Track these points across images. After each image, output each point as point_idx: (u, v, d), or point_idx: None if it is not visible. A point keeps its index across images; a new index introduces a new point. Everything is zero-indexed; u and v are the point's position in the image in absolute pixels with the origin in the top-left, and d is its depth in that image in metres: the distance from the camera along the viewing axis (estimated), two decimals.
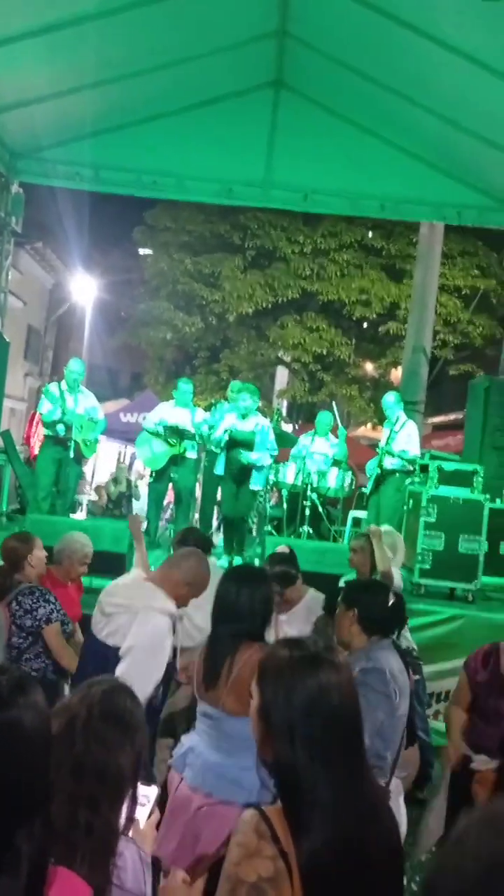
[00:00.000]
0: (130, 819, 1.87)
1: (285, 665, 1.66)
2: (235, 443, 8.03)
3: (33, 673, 4.30)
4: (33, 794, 1.41)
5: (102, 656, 3.32)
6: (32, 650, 4.41)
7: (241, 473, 8.08)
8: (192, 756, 2.97)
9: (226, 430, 8.04)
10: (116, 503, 12.45)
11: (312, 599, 4.92)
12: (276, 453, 8.38)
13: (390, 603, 3.27)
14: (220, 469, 8.15)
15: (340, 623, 3.25)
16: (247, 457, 7.97)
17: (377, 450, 8.75)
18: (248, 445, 8.02)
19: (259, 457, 8.04)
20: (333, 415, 9.42)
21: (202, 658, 3.08)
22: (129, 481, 12.92)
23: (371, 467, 8.65)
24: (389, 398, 8.77)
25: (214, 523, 9.24)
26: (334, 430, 9.36)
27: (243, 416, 8.16)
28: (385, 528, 5.94)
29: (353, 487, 9.09)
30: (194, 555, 3.68)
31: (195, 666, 3.13)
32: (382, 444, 8.57)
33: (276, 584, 4.61)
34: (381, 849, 1.57)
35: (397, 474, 8.31)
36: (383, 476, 8.39)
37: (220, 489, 8.65)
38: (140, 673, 3.09)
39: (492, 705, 3.58)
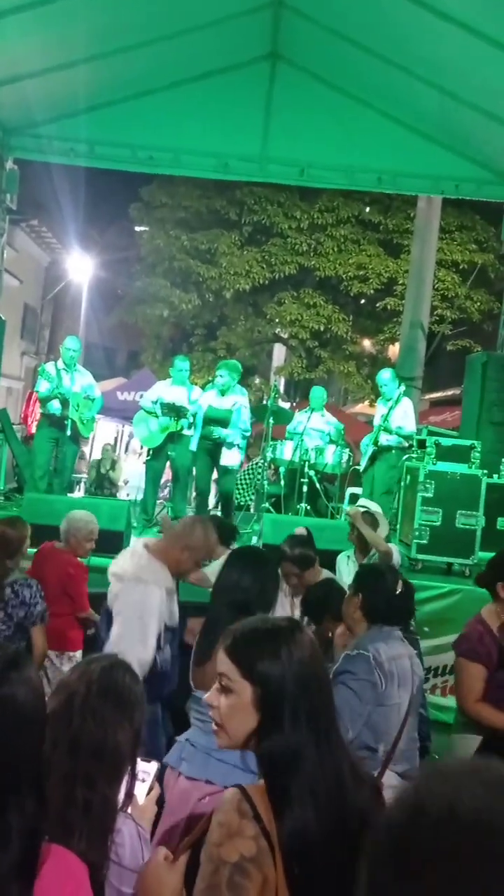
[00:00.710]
0: (129, 796, 1.88)
1: (272, 641, 1.63)
2: (209, 420, 8.08)
3: None
4: (26, 770, 1.41)
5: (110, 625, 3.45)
6: (12, 640, 4.36)
7: (214, 449, 8.13)
8: (187, 749, 2.89)
9: (207, 407, 8.11)
10: (100, 485, 12.47)
11: None
12: (248, 433, 8.43)
13: (398, 591, 3.19)
14: (193, 445, 8.18)
15: (347, 607, 3.20)
16: (218, 432, 8.02)
17: (373, 426, 8.72)
18: (223, 423, 8.06)
19: (229, 433, 8.08)
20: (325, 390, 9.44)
21: (197, 642, 3.02)
22: (113, 462, 12.92)
23: (365, 443, 8.63)
24: (385, 375, 8.73)
25: (212, 501, 9.24)
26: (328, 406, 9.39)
27: (222, 393, 8.19)
28: (362, 502, 5.97)
29: (351, 464, 9.09)
30: (192, 521, 3.73)
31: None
32: (377, 420, 8.53)
33: (294, 567, 4.64)
34: (363, 824, 1.55)
35: (393, 451, 8.29)
36: (379, 452, 8.37)
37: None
38: (129, 639, 3.18)
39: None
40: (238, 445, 8.25)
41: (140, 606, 3.34)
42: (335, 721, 1.65)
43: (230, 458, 8.21)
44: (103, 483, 12.50)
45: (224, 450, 8.13)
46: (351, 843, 1.50)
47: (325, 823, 1.50)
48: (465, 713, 3.61)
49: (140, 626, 3.30)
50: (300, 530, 5.06)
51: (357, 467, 9.28)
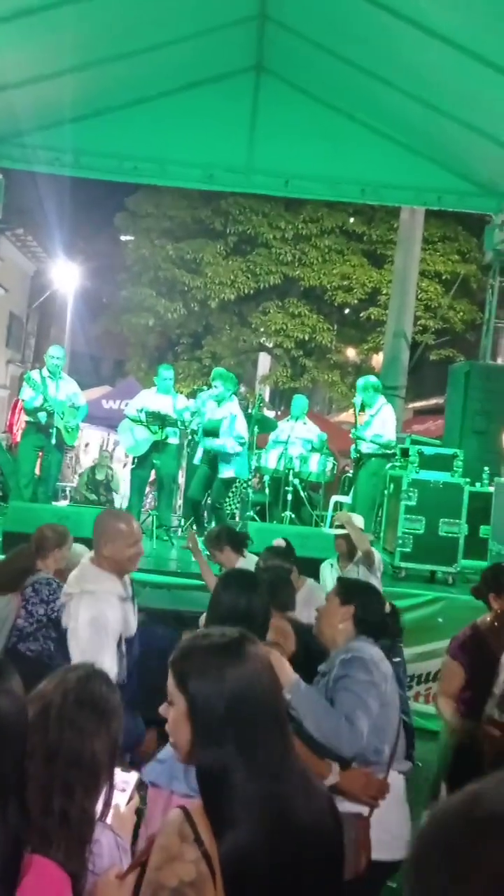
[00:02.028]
0: (108, 805, 1.87)
1: (207, 657, 1.63)
2: (207, 431, 8.13)
3: (28, 653, 4.36)
4: (6, 780, 1.40)
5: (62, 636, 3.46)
6: (36, 635, 4.44)
7: (214, 461, 8.17)
8: (178, 767, 2.71)
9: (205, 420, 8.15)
10: (95, 491, 12.39)
11: (310, 591, 4.88)
12: (242, 441, 8.41)
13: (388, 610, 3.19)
14: (197, 457, 8.24)
15: (329, 616, 3.12)
16: (210, 443, 8.05)
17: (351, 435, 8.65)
18: (216, 433, 8.10)
19: (222, 443, 8.09)
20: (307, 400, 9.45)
21: None
22: (110, 470, 12.84)
23: (354, 452, 8.62)
24: (359, 383, 8.65)
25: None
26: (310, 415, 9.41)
27: (218, 403, 8.23)
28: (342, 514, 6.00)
29: (335, 472, 9.12)
30: (99, 518, 3.65)
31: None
32: (355, 429, 8.47)
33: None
34: (315, 844, 1.54)
35: (373, 459, 8.29)
36: (360, 460, 8.36)
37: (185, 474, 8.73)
38: (85, 653, 3.16)
39: None
40: (236, 454, 8.25)
41: (95, 622, 3.30)
42: (279, 737, 1.62)
43: (227, 471, 8.22)
44: (98, 489, 12.41)
45: (223, 462, 8.16)
46: (296, 861, 1.48)
47: (264, 843, 1.47)
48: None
49: (97, 641, 3.26)
50: (279, 542, 5.05)
51: (347, 474, 9.31)
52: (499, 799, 0.81)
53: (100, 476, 12.54)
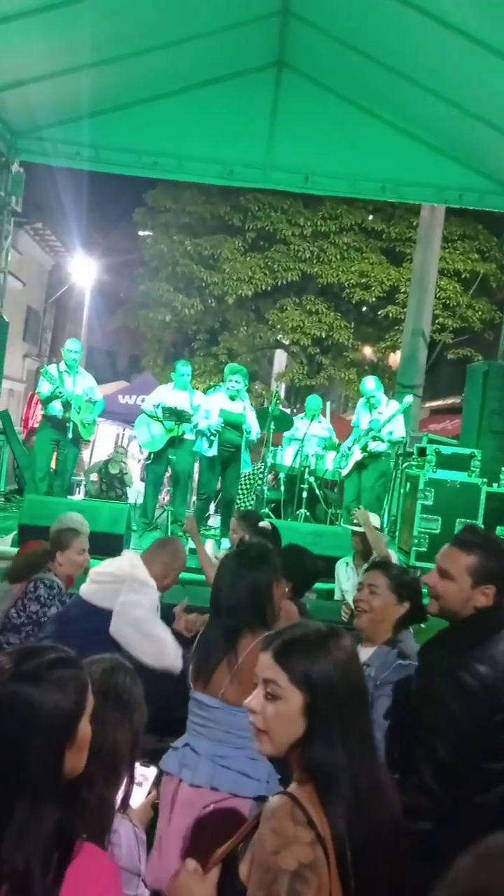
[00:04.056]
0: (127, 797, 1.88)
1: (321, 648, 1.62)
2: (227, 424, 8.05)
3: (6, 646, 4.34)
4: (40, 769, 1.41)
5: (85, 617, 3.57)
6: (21, 630, 4.45)
7: (231, 456, 8.13)
8: (189, 756, 2.81)
9: (215, 423, 8.05)
10: (110, 485, 12.41)
11: None
12: (259, 435, 8.41)
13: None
14: (209, 450, 8.13)
15: (387, 614, 3.05)
16: (248, 438, 8.00)
17: (362, 432, 8.52)
18: (239, 427, 8.05)
19: (254, 435, 8.12)
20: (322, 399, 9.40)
21: (197, 645, 2.97)
22: (123, 465, 12.86)
23: (347, 447, 8.52)
24: (370, 384, 8.58)
25: (212, 507, 9.25)
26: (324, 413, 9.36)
27: (232, 398, 8.17)
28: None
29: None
30: (172, 542, 3.93)
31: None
32: (364, 426, 8.39)
33: None
34: (391, 826, 1.57)
35: (382, 457, 8.24)
36: (368, 458, 8.25)
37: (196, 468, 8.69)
38: (151, 632, 3.44)
39: None
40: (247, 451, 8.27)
41: (149, 607, 3.53)
42: (369, 723, 1.67)
43: (244, 464, 8.25)
44: (113, 483, 12.43)
45: (240, 458, 8.15)
46: (389, 850, 1.51)
47: (368, 829, 1.50)
48: None
49: (162, 625, 3.51)
50: (264, 524, 4.96)
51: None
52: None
53: (113, 470, 12.56)
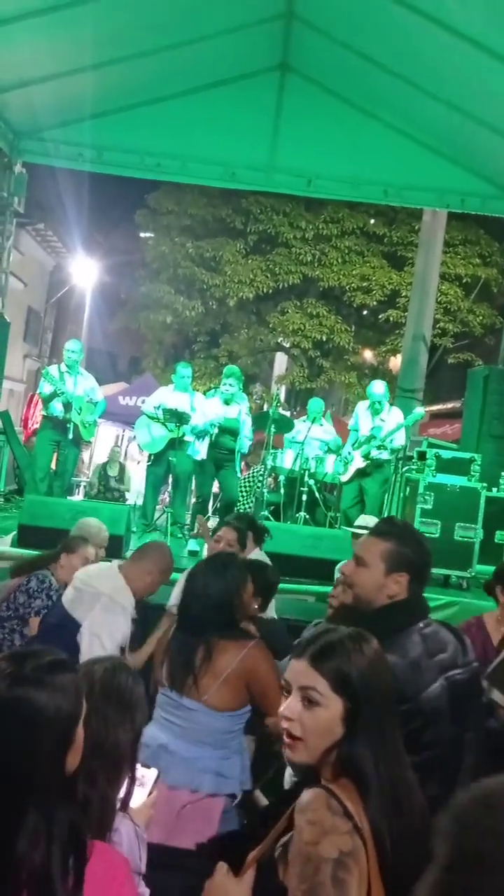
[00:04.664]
0: (129, 797, 1.89)
1: (359, 653, 1.63)
2: (222, 429, 8.02)
3: None
4: (53, 772, 1.41)
5: (60, 624, 3.62)
6: (4, 623, 4.47)
7: (225, 459, 8.11)
8: (164, 757, 2.83)
9: (214, 419, 8.02)
10: (108, 486, 12.42)
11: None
12: (251, 441, 8.39)
13: None
14: (200, 453, 8.12)
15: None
16: (241, 444, 7.99)
17: (363, 438, 8.50)
18: (234, 432, 8.03)
19: (242, 444, 8.10)
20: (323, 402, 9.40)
21: (168, 647, 3.01)
22: (121, 465, 12.87)
23: (347, 452, 8.49)
24: (379, 388, 8.56)
25: (210, 508, 9.25)
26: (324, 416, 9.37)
27: (226, 402, 8.14)
28: (365, 521, 5.97)
29: None
30: (159, 546, 4.00)
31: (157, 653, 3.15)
32: (365, 431, 8.37)
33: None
34: (421, 821, 1.59)
35: (383, 465, 8.24)
36: (372, 466, 8.25)
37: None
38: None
39: None
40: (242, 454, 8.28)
41: (115, 633, 3.53)
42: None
43: (240, 469, 8.24)
44: (109, 485, 12.44)
45: (237, 461, 8.14)
46: (421, 845, 1.52)
47: (403, 824, 1.52)
48: None
49: (107, 649, 3.45)
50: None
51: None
52: None
53: (112, 472, 12.58)
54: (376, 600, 2.33)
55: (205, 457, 8.08)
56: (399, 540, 2.41)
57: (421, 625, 2.29)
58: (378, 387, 8.54)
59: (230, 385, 8.10)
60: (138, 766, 1.91)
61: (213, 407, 8.13)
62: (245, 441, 8.13)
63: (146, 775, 2.02)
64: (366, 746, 1.55)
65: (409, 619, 2.29)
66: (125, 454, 13.69)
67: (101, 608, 3.55)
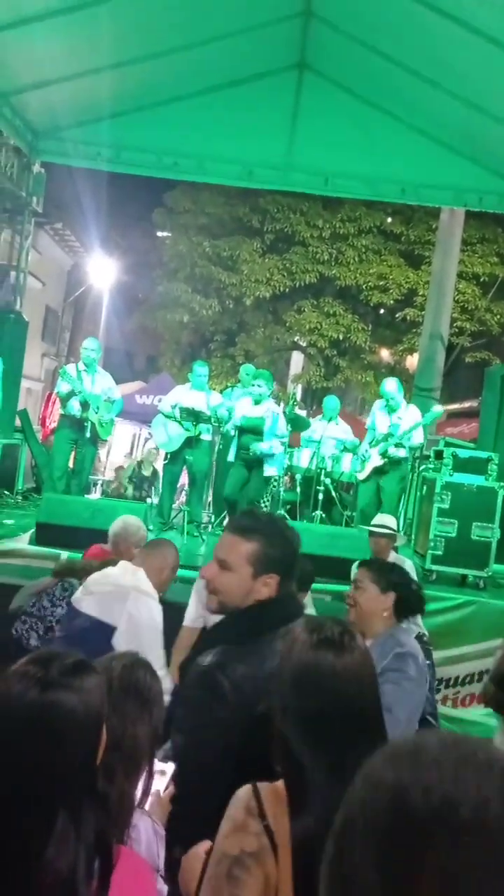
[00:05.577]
0: (147, 793, 1.90)
1: (298, 647, 1.64)
2: (245, 429, 8.01)
3: (12, 631, 4.45)
4: (79, 777, 1.42)
5: (81, 628, 3.49)
6: (29, 620, 4.52)
7: (253, 459, 8.09)
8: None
9: (241, 417, 8.02)
10: (138, 486, 12.44)
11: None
12: (286, 440, 8.32)
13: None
14: (231, 455, 8.15)
15: (373, 605, 3.13)
16: (257, 448, 7.94)
17: (381, 436, 8.45)
18: (258, 432, 8.00)
19: (269, 445, 8.00)
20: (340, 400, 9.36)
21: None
22: (155, 469, 12.87)
23: (364, 450, 8.45)
24: (391, 386, 8.44)
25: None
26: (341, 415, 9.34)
27: (256, 402, 8.13)
28: (382, 520, 5.95)
29: None
30: (163, 544, 3.97)
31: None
32: (382, 429, 8.31)
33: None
34: None
35: (401, 463, 8.20)
36: (389, 464, 8.21)
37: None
38: (152, 655, 3.21)
39: None
40: (280, 454, 8.17)
41: (155, 623, 3.48)
42: (358, 731, 1.61)
43: (270, 469, 8.14)
44: (142, 483, 12.47)
45: (267, 462, 8.07)
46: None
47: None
48: None
49: (158, 643, 3.43)
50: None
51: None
52: (437, 793, 0.75)
53: (146, 472, 12.61)
54: (244, 606, 2.08)
55: (232, 458, 8.10)
56: (265, 538, 2.14)
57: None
58: (390, 384, 8.48)
59: (259, 385, 8.11)
60: (156, 760, 1.92)
61: (240, 406, 8.14)
62: (276, 442, 8.04)
63: (164, 769, 2.04)
64: (288, 741, 1.53)
65: (282, 621, 1.91)
66: (158, 455, 13.74)
67: (134, 601, 3.50)
